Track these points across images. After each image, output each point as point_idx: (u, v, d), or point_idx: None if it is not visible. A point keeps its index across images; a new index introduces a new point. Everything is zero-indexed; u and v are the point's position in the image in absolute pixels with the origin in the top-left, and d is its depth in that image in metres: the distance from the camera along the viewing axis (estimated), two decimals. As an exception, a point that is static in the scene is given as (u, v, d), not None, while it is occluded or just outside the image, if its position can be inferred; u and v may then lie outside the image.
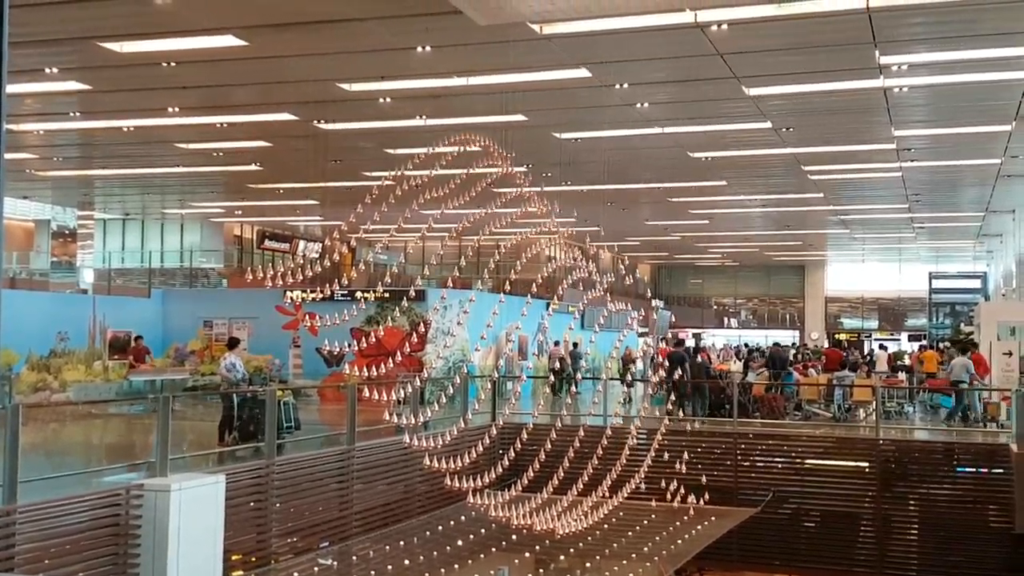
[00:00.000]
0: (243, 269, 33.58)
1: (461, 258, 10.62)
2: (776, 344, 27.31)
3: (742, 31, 12.24)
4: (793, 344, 40.24)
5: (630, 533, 13.17)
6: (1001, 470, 15.21)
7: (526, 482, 10.19)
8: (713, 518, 13.83)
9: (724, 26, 11.98)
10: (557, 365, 24.21)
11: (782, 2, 10.93)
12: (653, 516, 13.72)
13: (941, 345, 33.59)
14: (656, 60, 13.59)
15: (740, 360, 28.23)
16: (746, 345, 35.94)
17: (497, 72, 13.53)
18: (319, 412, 20.32)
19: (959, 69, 13.91)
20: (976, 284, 41.59)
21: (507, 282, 10.59)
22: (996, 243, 35.85)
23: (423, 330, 21.37)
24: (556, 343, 25.29)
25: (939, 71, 14.12)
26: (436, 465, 9.41)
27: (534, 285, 10.99)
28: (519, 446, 9.97)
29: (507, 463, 9.99)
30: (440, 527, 13.87)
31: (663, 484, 11.82)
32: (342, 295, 17.93)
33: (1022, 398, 15.62)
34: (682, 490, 11.94)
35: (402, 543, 13.26)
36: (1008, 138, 18.26)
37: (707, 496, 13.13)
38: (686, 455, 12.12)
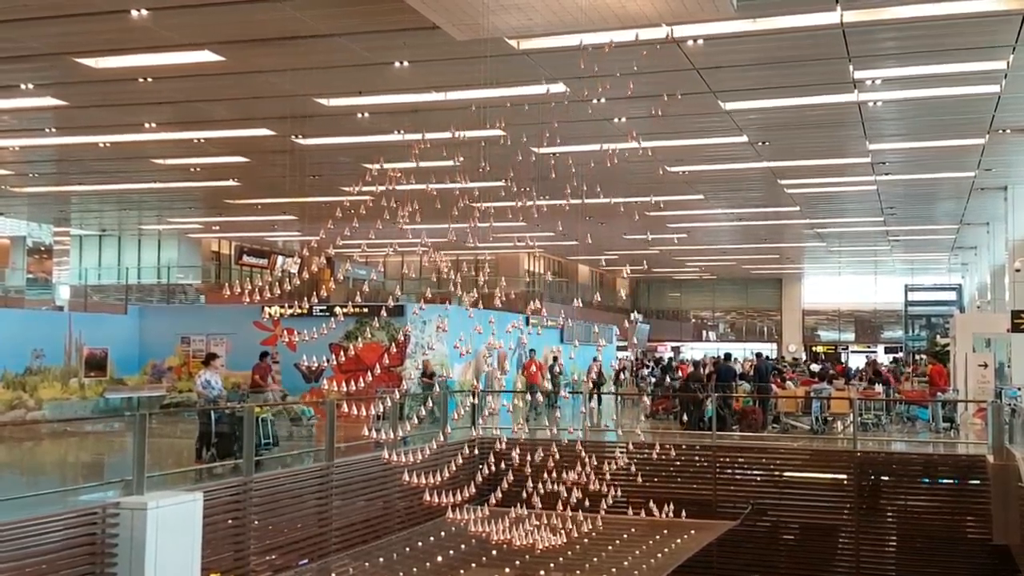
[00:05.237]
0: (221, 285, 33.42)
1: (433, 273, 10.59)
2: (759, 355, 27.41)
3: (717, 46, 12.34)
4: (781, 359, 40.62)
5: (610, 547, 13.15)
6: (978, 481, 15.30)
7: (500, 495, 10.16)
8: (692, 531, 13.83)
9: (700, 41, 12.07)
10: (594, 377, 24.81)
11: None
12: (633, 530, 13.72)
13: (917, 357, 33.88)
14: (632, 75, 13.66)
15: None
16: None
17: (474, 87, 13.56)
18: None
19: (932, 83, 14.05)
20: (951, 296, 41.93)
21: (481, 297, 10.55)
22: (971, 255, 36.17)
23: (403, 339, 21.34)
24: (595, 359, 25.61)
25: (913, 85, 14.25)
26: (415, 481, 9.38)
27: (499, 300, 10.94)
28: (498, 461, 9.94)
29: (487, 477, 9.98)
30: (420, 543, 13.82)
31: (643, 498, 11.82)
32: (320, 310, 17.98)
33: (997, 409, 15.74)
34: (659, 504, 11.93)
35: (382, 559, 13.20)
36: (981, 151, 18.45)
37: (686, 509, 13.13)
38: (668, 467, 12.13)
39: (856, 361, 44.63)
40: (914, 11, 11.11)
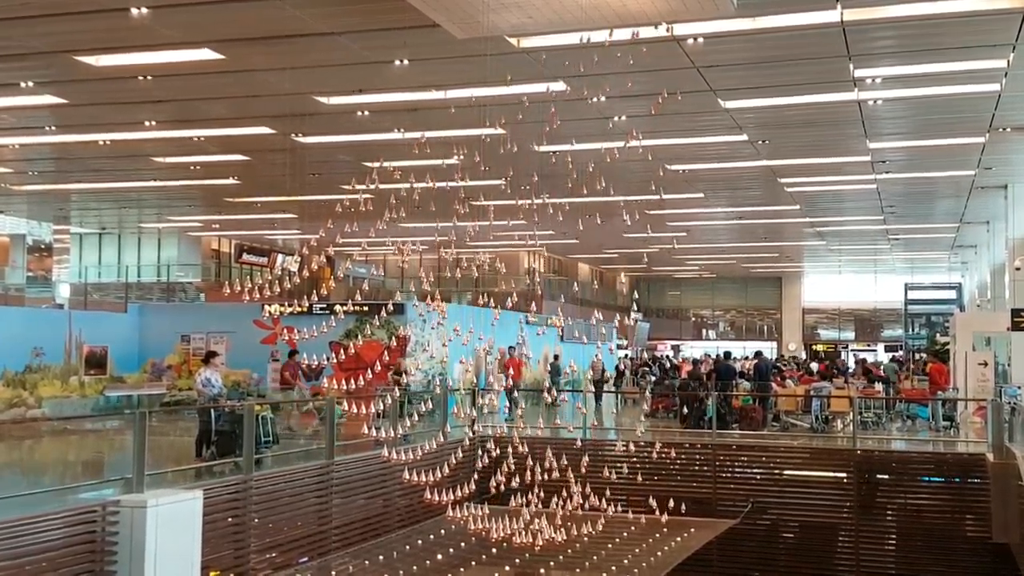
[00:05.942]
0: (221, 283, 33.41)
1: (430, 272, 10.60)
2: (759, 353, 27.38)
3: (717, 45, 12.32)
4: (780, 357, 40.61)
5: (610, 545, 13.14)
6: (977, 480, 15.32)
7: (500, 494, 10.15)
8: (692, 530, 13.83)
9: (700, 40, 12.06)
10: (599, 375, 26.02)
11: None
12: (633, 528, 13.71)
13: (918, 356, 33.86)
14: (632, 73, 13.65)
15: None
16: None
17: (474, 85, 13.54)
18: (298, 426, 20.19)
19: (933, 82, 14.03)
20: (951, 295, 41.88)
21: (481, 295, 10.57)
22: (971, 254, 36.17)
23: (403, 335, 21.31)
24: (597, 355, 25.80)
25: (913, 84, 14.23)
26: (415, 479, 9.37)
27: (504, 300, 10.97)
28: (498, 459, 9.93)
29: (487, 476, 9.97)
30: (420, 541, 13.81)
31: (643, 496, 11.82)
32: (320, 308, 17.95)
33: (997, 408, 15.74)
34: (659, 502, 11.92)
35: (381, 558, 13.20)
36: (982, 150, 18.43)
37: (686, 507, 13.12)
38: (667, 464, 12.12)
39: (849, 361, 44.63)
40: (914, 9, 11.10)
